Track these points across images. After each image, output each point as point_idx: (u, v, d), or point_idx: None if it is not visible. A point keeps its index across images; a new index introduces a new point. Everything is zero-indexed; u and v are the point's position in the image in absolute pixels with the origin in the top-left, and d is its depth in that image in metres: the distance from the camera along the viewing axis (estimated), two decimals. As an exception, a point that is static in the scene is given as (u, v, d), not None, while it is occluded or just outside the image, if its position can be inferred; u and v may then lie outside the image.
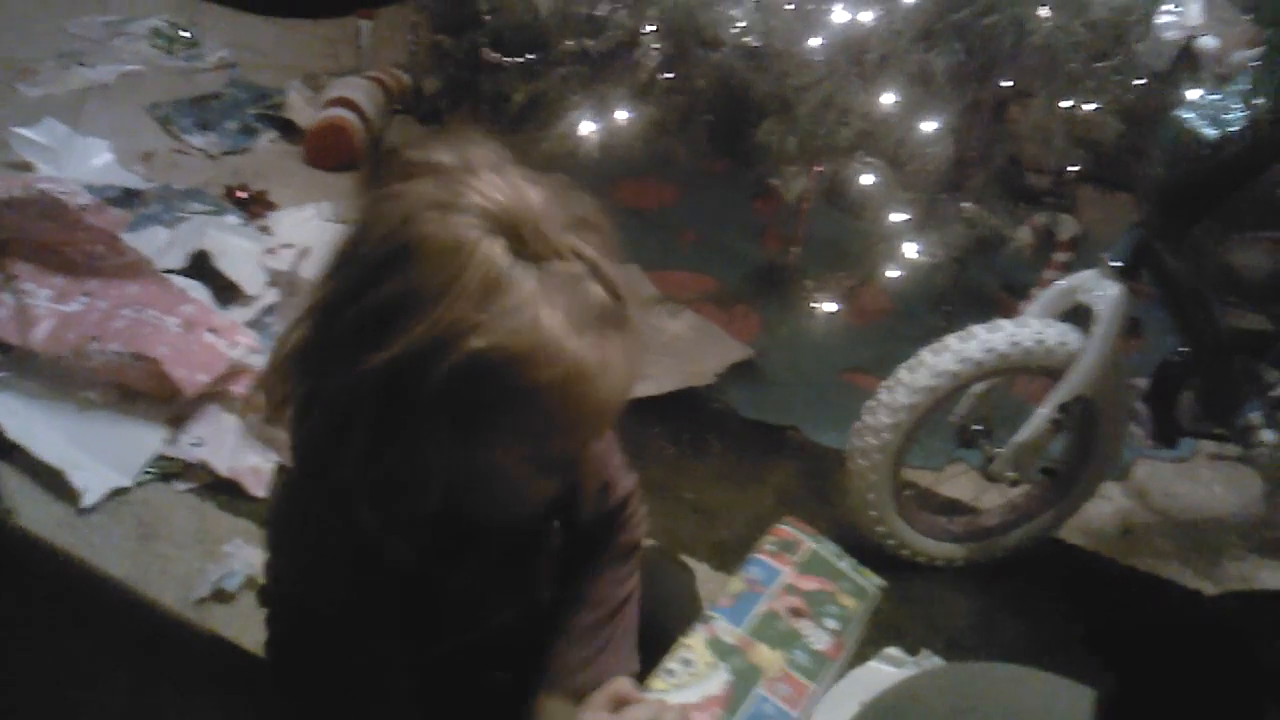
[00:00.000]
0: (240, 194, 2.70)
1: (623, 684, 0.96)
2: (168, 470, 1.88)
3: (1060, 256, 2.45)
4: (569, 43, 2.35)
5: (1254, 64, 1.54)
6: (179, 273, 2.27)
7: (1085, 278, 1.74)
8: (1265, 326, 1.79)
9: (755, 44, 2.14)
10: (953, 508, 2.07)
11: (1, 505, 1.74)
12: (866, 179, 2.16)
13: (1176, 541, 2.12)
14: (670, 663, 1.02)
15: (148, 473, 1.86)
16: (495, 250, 0.76)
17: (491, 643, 1.06)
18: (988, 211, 2.17)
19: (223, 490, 1.86)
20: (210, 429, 1.95)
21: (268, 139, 3.08)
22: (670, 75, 2.28)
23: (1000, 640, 1.84)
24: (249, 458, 1.88)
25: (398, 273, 0.75)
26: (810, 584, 1.16)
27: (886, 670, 1.70)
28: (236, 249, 2.39)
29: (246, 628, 1.57)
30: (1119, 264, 1.68)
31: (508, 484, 0.86)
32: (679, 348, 2.41)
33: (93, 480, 1.80)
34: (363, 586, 0.89)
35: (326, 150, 2.94)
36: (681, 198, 3.08)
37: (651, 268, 2.68)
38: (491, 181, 0.78)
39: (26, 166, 2.64)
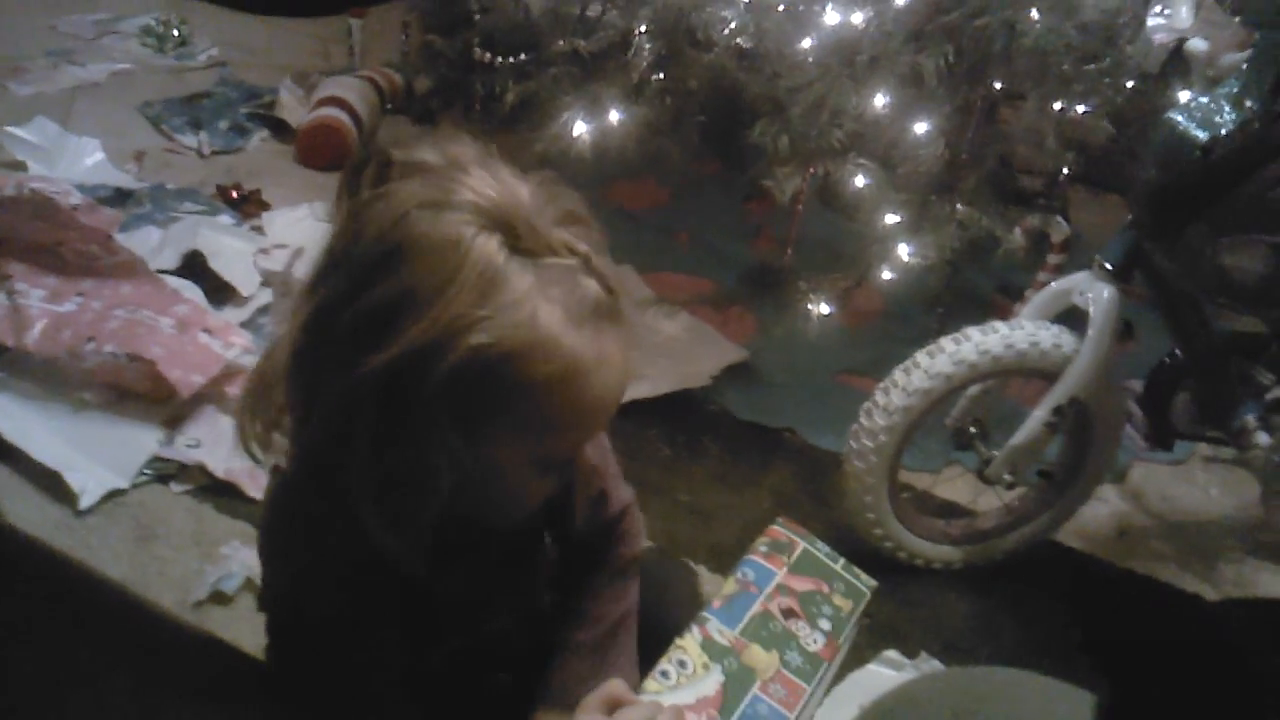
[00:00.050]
0: (233, 194, 2.70)
1: (617, 685, 0.96)
2: (164, 472, 1.87)
3: (1053, 258, 2.46)
4: (561, 43, 2.35)
5: (1244, 67, 1.55)
6: (172, 273, 2.27)
7: (1078, 280, 1.74)
8: (1259, 329, 1.80)
9: (747, 45, 2.14)
10: (949, 510, 2.08)
11: (-6, 507, 1.73)
12: (859, 180, 2.17)
13: (1173, 544, 2.13)
14: (664, 664, 1.02)
15: (144, 474, 1.86)
16: (491, 246, 0.76)
17: (492, 646, 1.06)
18: (980, 213, 2.18)
19: (220, 492, 1.86)
20: (206, 430, 1.94)
21: (259, 138, 3.08)
22: (662, 76, 2.28)
23: (998, 643, 1.85)
24: (246, 459, 1.87)
25: (393, 273, 0.75)
26: (803, 585, 1.16)
27: (885, 673, 1.70)
28: (230, 249, 2.38)
29: (245, 630, 1.57)
30: (1111, 266, 1.69)
31: (507, 484, 0.86)
32: (674, 350, 2.42)
33: (89, 482, 1.79)
34: (360, 588, 0.89)
35: (318, 150, 2.93)
36: (674, 199, 3.08)
37: (646, 269, 2.69)
38: (482, 178, 0.79)
39: (18, 166, 2.63)
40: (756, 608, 1.11)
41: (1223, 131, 1.51)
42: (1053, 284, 1.79)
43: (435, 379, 0.75)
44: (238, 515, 1.82)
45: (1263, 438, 1.79)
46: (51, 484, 1.79)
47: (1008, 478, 1.80)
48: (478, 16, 2.55)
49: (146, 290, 2.11)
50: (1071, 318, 1.75)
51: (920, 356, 1.74)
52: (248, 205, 2.68)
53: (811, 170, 2.19)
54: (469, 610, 1.01)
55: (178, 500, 1.85)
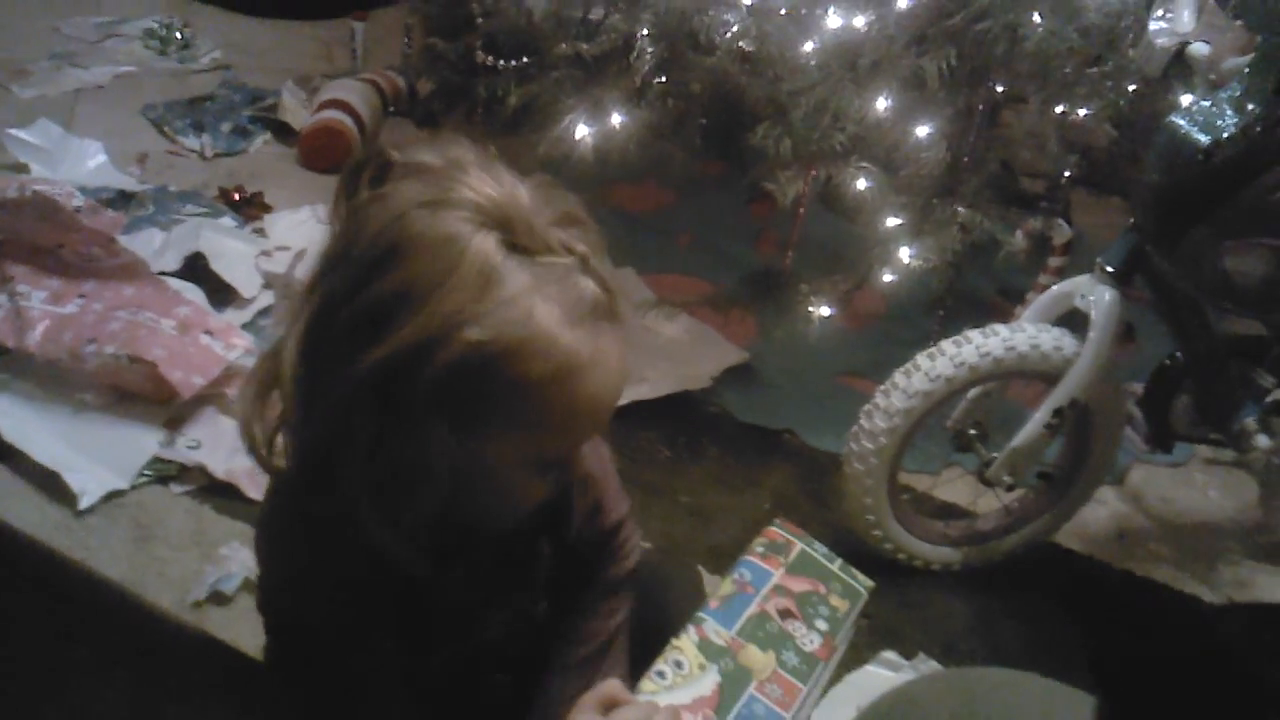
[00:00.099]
0: (235, 196, 2.70)
1: (613, 686, 0.96)
2: (164, 473, 1.88)
3: (1054, 261, 2.46)
4: (563, 46, 2.36)
5: (1246, 70, 1.55)
6: (174, 275, 2.28)
7: (1080, 282, 1.74)
8: (1260, 332, 1.80)
9: (749, 48, 2.14)
10: (949, 512, 2.08)
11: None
12: (861, 183, 2.16)
13: (1172, 546, 2.13)
14: (661, 665, 1.02)
15: (144, 475, 1.86)
16: (488, 244, 0.76)
17: (490, 649, 1.06)
18: (982, 216, 2.17)
19: (220, 493, 1.86)
20: (207, 431, 1.94)
21: (262, 141, 3.08)
22: (664, 79, 2.28)
23: (997, 644, 1.85)
24: (245, 460, 1.85)
25: (391, 270, 0.76)
26: (800, 585, 1.16)
27: (883, 674, 1.70)
28: (232, 251, 2.39)
29: (244, 630, 1.57)
30: (1113, 269, 1.69)
31: (503, 484, 0.86)
32: (674, 351, 2.42)
33: (89, 483, 1.79)
34: (357, 589, 0.89)
35: (321, 152, 2.93)
36: (676, 201, 3.08)
37: (647, 271, 2.69)
38: (480, 178, 0.79)
39: (21, 168, 2.64)
40: (753, 608, 1.11)
41: (1224, 135, 1.51)
42: (1054, 287, 1.79)
43: (431, 375, 0.75)
44: (237, 516, 1.82)
45: (1263, 440, 1.79)
46: (51, 484, 1.80)
47: (1007, 479, 1.80)
48: (480, 20, 2.56)
49: (148, 292, 2.11)
50: (1073, 320, 1.75)
51: (921, 359, 1.74)
52: (250, 208, 2.69)
53: (813, 173, 2.19)
54: (466, 613, 1.01)
55: (177, 501, 1.85)
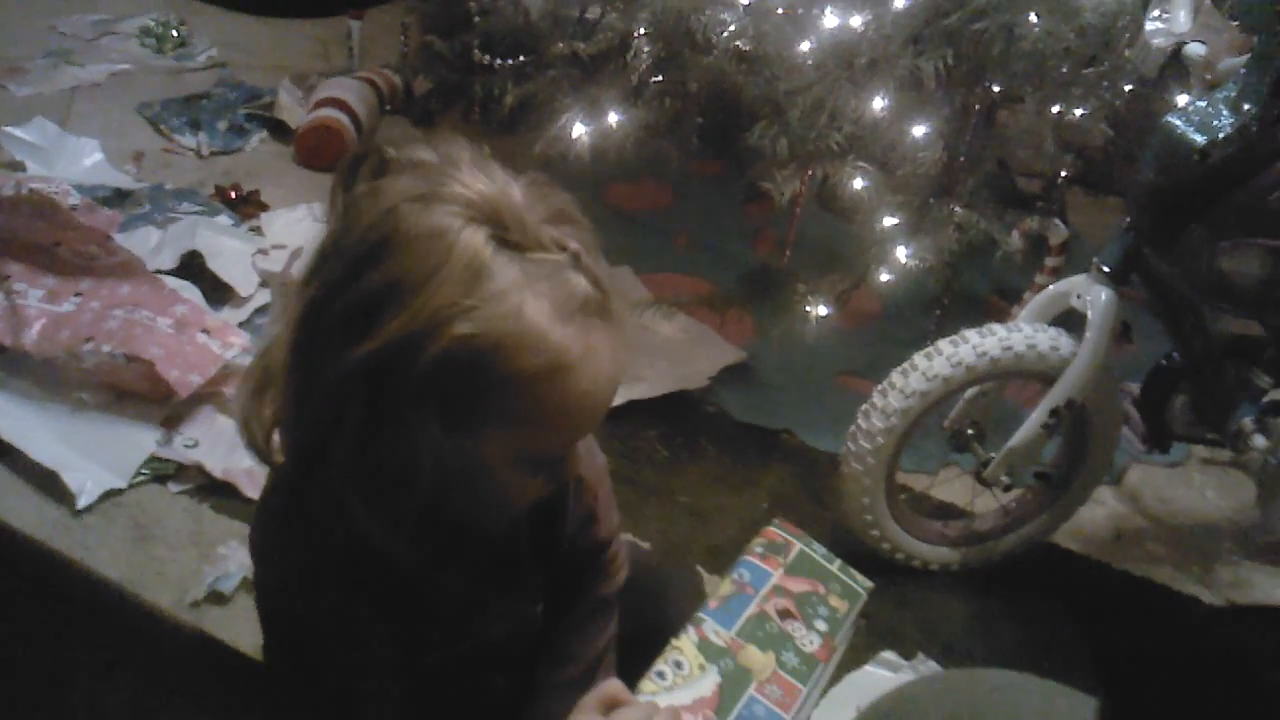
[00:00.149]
0: (232, 194, 2.70)
1: (614, 686, 0.96)
2: (162, 472, 1.87)
3: (1051, 261, 2.47)
4: (560, 45, 2.35)
5: (1242, 70, 1.55)
6: (170, 273, 2.27)
7: (1076, 282, 1.74)
8: (1257, 332, 1.81)
9: (746, 48, 2.14)
10: (947, 512, 2.08)
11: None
12: (858, 183, 2.17)
13: (1169, 546, 2.13)
14: (661, 665, 1.02)
15: (142, 474, 1.86)
16: (478, 238, 0.76)
17: (488, 650, 1.06)
18: (978, 216, 2.17)
19: (217, 492, 1.86)
20: (204, 430, 1.94)
21: (258, 139, 3.08)
22: (661, 78, 2.28)
23: (995, 644, 1.85)
24: (243, 459, 1.86)
25: (381, 263, 0.76)
26: (799, 586, 1.16)
27: (882, 675, 1.70)
28: (228, 249, 2.38)
29: (242, 630, 1.57)
30: (1109, 269, 1.69)
31: (494, 482, 0.86)
32: (672, 351, 2.42)
33: (87, 482, 1.79)
34: (351, 586, 0.89)
35: (317, 151, 2.93)
36: (674, 201, 3.09)
37: (644, 270, 2.69)
38: (473, 174, 0.79)
39: (17, 166, 2.63)
40: (753, 609, 1.11)
41: (1220, 135, 1.51)
42: (1051, 287, 1.79)
43: (420, 369, 0.75)
44: (235, 515, 1.82)
45: (1259, 440, 1.79)
46: (49, 484, 1.79)
47: (1005, 479, 1.80)
48: (477, 18, 2.55)
49: (145, 290, 2.11)
50: (1069, 320, 1.75)
51: (918, 359, 1.74)
52: (246, 206, 2.68)
53: (810, 172, 2.19)
54: (463, 613, 1.01)
55: (175, 500, 1.85)
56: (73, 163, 2.71)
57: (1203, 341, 1.80)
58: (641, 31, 2.22)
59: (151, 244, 2.39)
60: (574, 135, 2.19)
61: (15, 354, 1.96)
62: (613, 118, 2.23)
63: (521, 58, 2.49)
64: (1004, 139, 2.30)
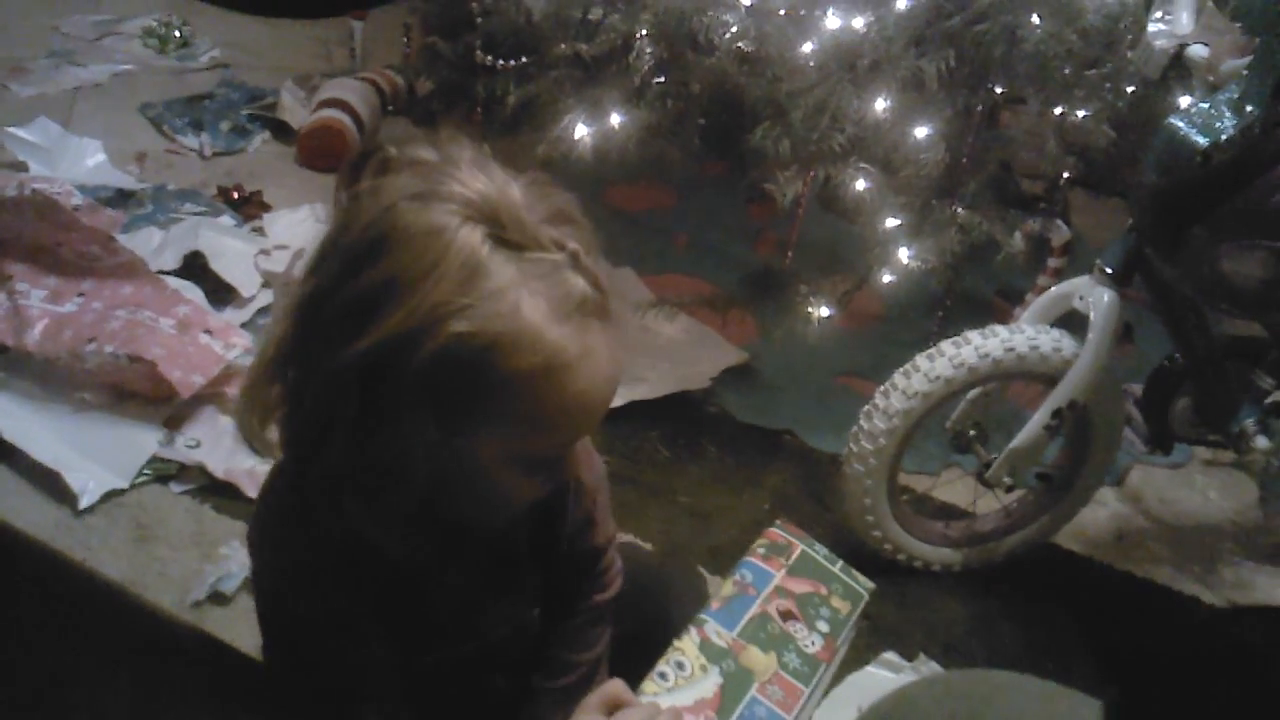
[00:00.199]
0: (234, 195, 2.70)
1: (616, 686, 0.96)
2: (164, 472, 1.88)
3: (1053, 262, 2.46)
4: (562, 46, 2.35)
5: (1244, 72, 1.55)
6: (173, 274, 2.28)
7: (1078, 284, 1.74)
8: (1259, 333, 1.81)
9: (748, 49, 2.14)
10: (949, 513, 2.08)
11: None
12: (860, 184, 2.16)
13: (1171, 547, 2.13)
14: (663, 666, 1.02)
15: (144, 474, 1.86)
16: (475, 236, 0.76)
17: (488, 651, 1.06)
18: (981, 217, 2.17)
19: (219, 492, 1.86)
20: (206, 430, 1.94)
21: (260, 139, 3.08)
22: (664, 79, 2.28)
23: (997, 645, 1.85)
24: (245, 460, 1.88)
25: (379, 260, 0.76)
26: (801, 587, 1.16)
27: (884, 675, 1.70)
28: (231, 250, 2.39)
29: (243, 630, 1.57)
30: (1112, 270, 1.69)
31: (491, 482, 0.86)
32: (674, 351, 2.42)
33: (89, 482, 1.79)
34: (348, 584, 0.89)
35: (319, 151, 2.93)
36: (676, 202, 3.09)
37: (646, 271, 2.69)
38: (472, 173, 0.79)
39: (20, 166, 2.63)
40: (754, 609, 1.11)
41: (1223, 137, 1.51)
42: (1053, 288, 1.79)
43: (415, 366, 0.75)
44: (237, 515, 1.82)
45: (1261, 441, 1.79)
46: (51, 484, 1.80)
47: (1007, 480, 1.80)
48: (479, 19, 2.55)
49: (147, 291, 2.11)
50: (1071, 321, 1.75)
51: (920, 360, 1.74)
52: (249, 206, 2.69)
53: (812, 174, 2.19)
54: (461, 613, 1.01)
55: (177, 500, 1.85)
56: (75, 163, 2.71)
57: (1205, 343, 1.80)
58: (644, 33, 2.21)
59: (154, 244, 2.39)
60: (576, 136, 2.19)
61: (18, 354, 1.96)
62: (615, 119, 2.22)
63: (524, 59, 2.49)
64: (1006, 140, 2.30)
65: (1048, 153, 2.20)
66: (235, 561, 1.71)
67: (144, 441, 1.91)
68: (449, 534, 0.93)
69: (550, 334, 0.77)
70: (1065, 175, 2.30)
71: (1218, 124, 1.53)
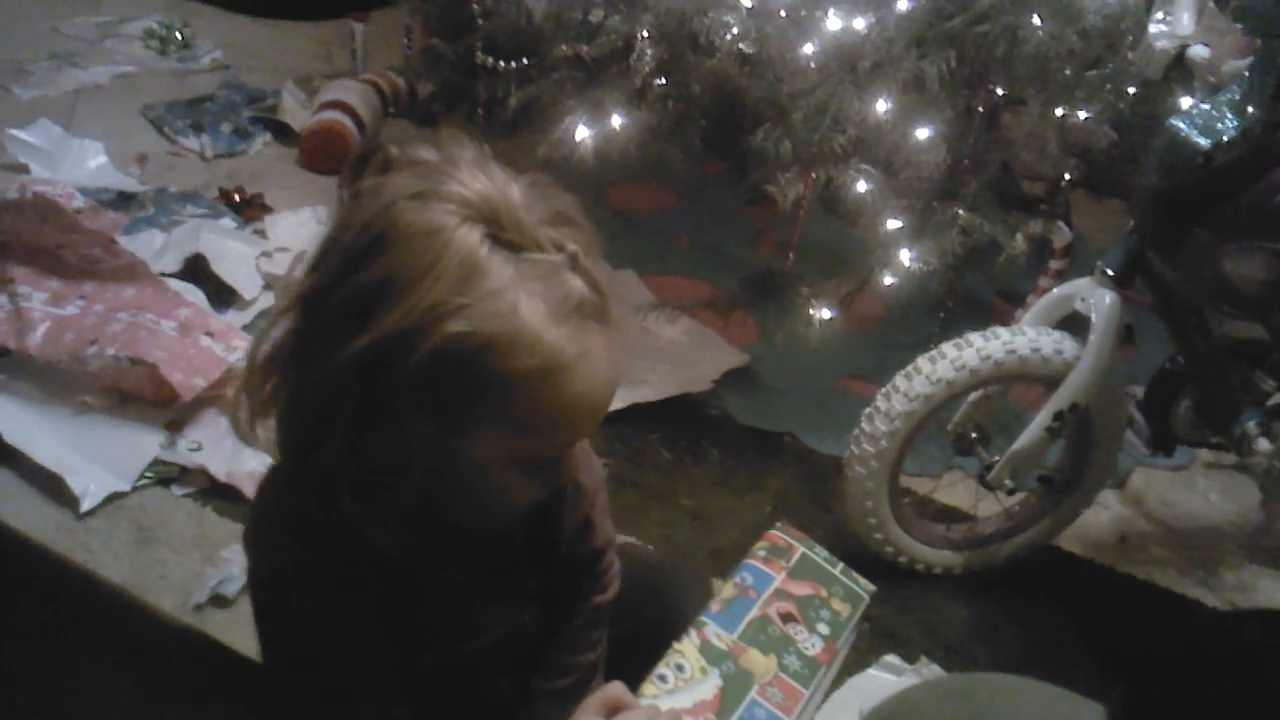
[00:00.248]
0: (236, 197, 2.70)
1: (616, 688, 0.96)
2: (165, 475, 1.88)
3: (1055, 264, 2.46)
4: (563, 47, 2.35)
5: (1246, 73, 1.55)
6: (174, 276, 2.28)
7: (1080, 285, 1.74)
8: (1260, 335, 1.80)
9: (749, 50, 2.14)
10: (950, 515, 2.08)
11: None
12: (861, 186, 2.16)
13: (1173, 550, 2.13)
14: (662, 668, 1.02)
15: (145, 477, 1.86)
16: (473, 237, 0.76)
17: (487, 653, 1.06)
18: (982, 219, 2.17)
19: (221, 495, 1.86)
20: (208, 433, 1.94)
21: (262, 141, 3.08)
22: (665, 81, 2.28)
23: (998, 648, 1.84)
24: (247, 462, 1.88)
25: (377, 259, 0.76)
26: (802, 589, 1.16)
27: (885, 678, 1.70)
28: (232, 252, 2.39)
29: (245, 633, 1.55)
30: (1113, 272, 1.69)
31: (488, 484, 0.86)
32: (675, 354, 2.42)
33: (91, 485, 1.79)
34: (344, 584, 0.89)
35: (321, 153, 2.94)
36: (677, 203, 3.09)
37: (647, 273, 2.69)
38: (472, 173, 0.79)
39: (21, 168, 2.64)
40: (755, 612, 1.11)
41: (1224, 138, 1.51)
42: (1054, 290, 1.79)
43: (413, 365, 0.75)
44: (238, 518, 1.82)
45: (1263, 444, 1.79)
46: (53, 487, 1.80)
47: (1009, 483, 1.80)
48: (480, 21, 2.55)
49: (149, 293, 2.11)
50: (1073, 323, 1.75)
51: (922, 362, 1.74)
52: (250, 209, 2.69)
53: (813, 175, 2.19)
54: (459, 614, 1.01)
55: (179, 503, 1.85)
56: (76, 165, 2.72)
57: (1206, 345, 1.79)
58: (645, 34, 2.21)
59: (155, 247, 2.39)
60: (577, 137, 2.19)
61: (19, 357, 1.96)
62: (616, 120, 2.23)
63: (525, 60, 2.49)
64: (1007, 142, 2.30)
65: (1049, 154, 2.20)
66: (236, 564, 1.71)
67: (145, 444, 1.91)
68: (446, 534, 0.93)
69: (548, 335, 0.77)
70: (1066, 177, 2.30)
71: (1219, 125, 1.53)
